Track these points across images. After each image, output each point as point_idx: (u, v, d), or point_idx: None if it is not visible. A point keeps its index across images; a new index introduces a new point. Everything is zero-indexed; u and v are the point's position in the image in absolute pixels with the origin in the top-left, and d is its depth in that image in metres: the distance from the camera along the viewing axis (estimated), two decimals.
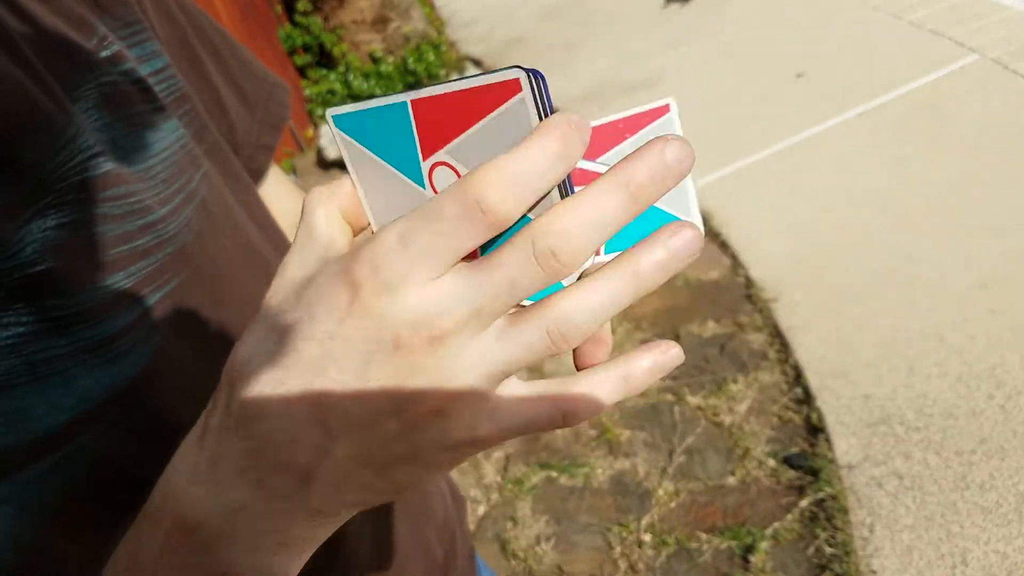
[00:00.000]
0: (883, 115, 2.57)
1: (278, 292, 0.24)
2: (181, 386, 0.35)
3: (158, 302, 0.35)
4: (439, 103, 0.23)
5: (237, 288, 0.40)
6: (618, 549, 1.63)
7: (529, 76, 0.21)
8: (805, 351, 1.86)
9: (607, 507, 1.72)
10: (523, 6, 4.66)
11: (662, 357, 0.24)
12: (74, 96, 0.34)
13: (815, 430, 1.70)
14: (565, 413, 0.23)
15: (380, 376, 0.21)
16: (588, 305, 0.22)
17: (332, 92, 3.90)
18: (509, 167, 0.20)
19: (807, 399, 1.77)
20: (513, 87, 0.22)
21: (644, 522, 1.66)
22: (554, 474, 1.82)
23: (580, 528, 1.69)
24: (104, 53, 0.37)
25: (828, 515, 1.53)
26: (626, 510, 1.70)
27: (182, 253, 0.37)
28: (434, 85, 0.23)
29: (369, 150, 0.24)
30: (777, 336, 1.95)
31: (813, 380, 1.79)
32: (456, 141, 0.23)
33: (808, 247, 2.16)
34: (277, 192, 0.55)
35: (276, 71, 3.34)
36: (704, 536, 1.59)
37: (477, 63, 4.10)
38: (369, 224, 0.26)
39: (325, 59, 4.03)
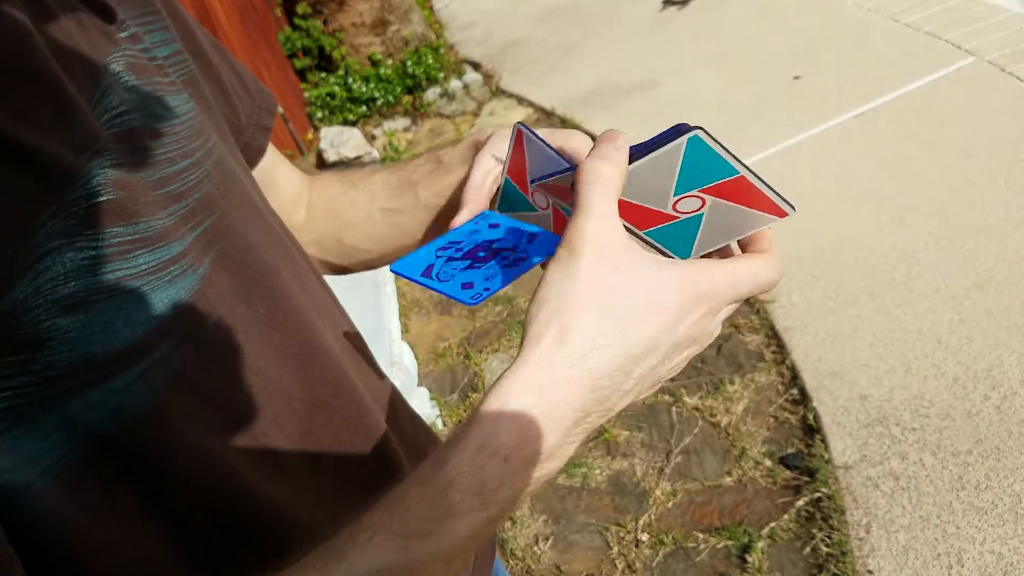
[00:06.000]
0: (880, 117, 2.58)
1: (601, 278, 0.32)
2: (224, 311, 0.40)
3: (195, 240, 0.40)
4: (739, 183, 0.34)
5: (251, 237, 0.45)
6: (616, 549, 1.64)
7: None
8: (802, 352, 1.87)
9: (605, 507, 1.73)
10: (521, 9, 4.68)
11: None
12: (106, 62, 0.40)
13: (811, 430, 1.71)
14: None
15: (675, 365, 0.35)
16: None
17: (331, 95, 3.92)
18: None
19: (803, 400, 1.78)
20: (781, 214, 0.35)
21: (642, 522, 1.67)
22: None
23: (578, 528, 1.70)
24: (123, 34, 0.43)
25: (824, 515, 1.54)
26: (624, 510, 1.71)
27: (207, 199, 0.42)
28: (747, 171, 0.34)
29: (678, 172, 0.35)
30: (774, 337, 1.96)
31: (810, 381, 1.80)
32: (717, 200, 0.36)
33: (805, 248, 2.17)
34: (275, 164, 0.61)
35: (276, 74, 3.31)
36: (701, 536, 1.60)
37: (476, 66, 4.11)
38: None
39: (325, 62, 4.04)
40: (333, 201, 0.62)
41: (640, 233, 0.37)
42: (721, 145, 0.33)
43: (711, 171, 0.33)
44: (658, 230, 0.37)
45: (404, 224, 0.59)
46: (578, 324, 0.32)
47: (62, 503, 0.33)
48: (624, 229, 0.33)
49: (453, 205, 0.52)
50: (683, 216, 0.36)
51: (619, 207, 0.33)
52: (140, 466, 0.35)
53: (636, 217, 0.36)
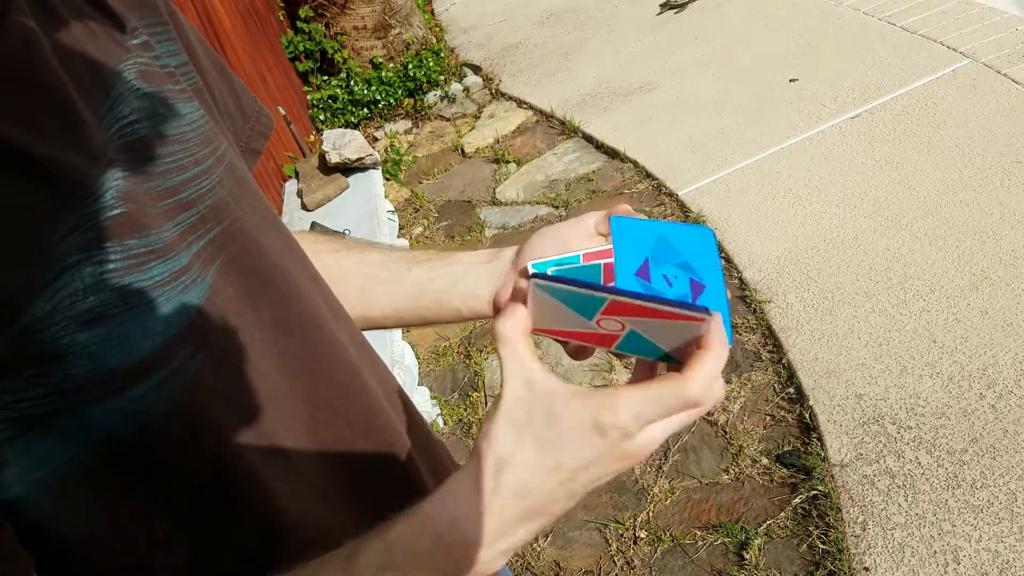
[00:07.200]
0: (876, 119, 2.60)
1: (519, 408, 0.36)
2: (232, 317, 0.41)
3: (203, 247, 0.40)
4: (626, 305, 0.35)
5: (264, 241, 0.45)
6: (615, 545, 1.65)
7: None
8: (798, 351, 1.89)
9: (604, 504, 1.74)
10: (521, 13, 4.70)
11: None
12: (118, 70, 0.40)
13: (808, 429, 1.72)
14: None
15: (607, 475, 0.37)
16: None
17: (334, 98, 3.94)
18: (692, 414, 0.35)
19: (800, 398, 1.79)
20: (701, 320, 0.35)
21: (640, 519, 1.68)
22: None
23: (577, 525, 1.71)
24: (135, 41, 0.43)
25: (821, 513, 1.55)
26: (622, 507, 1.72)
27: (220, 204, 0.42)
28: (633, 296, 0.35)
29: (559, 301, 0.37)
30: (770, 337, 1.97)
31: (806, 380, 1.81)
32: (637, 319, 0.36)
33: (801, 249, 2.18)
34: None
35: (279, 77, 3.30)
36: (699, 533, 1.61)
37: (476, 69, 4.14)
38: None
39: (327, 65, 4.06)
40: (318, 256, 0.60)
41: (613, 350, 0.40)
42: (567, 279, 0.35)
43: (590, 303, 0.36)
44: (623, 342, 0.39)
45: (376, 294, 0.58)
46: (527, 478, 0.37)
47: (71, 504, 0.33)
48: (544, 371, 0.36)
49: (437, 290, 0.56)
50: (614, 333, 0.38)
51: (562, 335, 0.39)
52: (151, 467, 0.36)
53: (568, 335, 0.40)
